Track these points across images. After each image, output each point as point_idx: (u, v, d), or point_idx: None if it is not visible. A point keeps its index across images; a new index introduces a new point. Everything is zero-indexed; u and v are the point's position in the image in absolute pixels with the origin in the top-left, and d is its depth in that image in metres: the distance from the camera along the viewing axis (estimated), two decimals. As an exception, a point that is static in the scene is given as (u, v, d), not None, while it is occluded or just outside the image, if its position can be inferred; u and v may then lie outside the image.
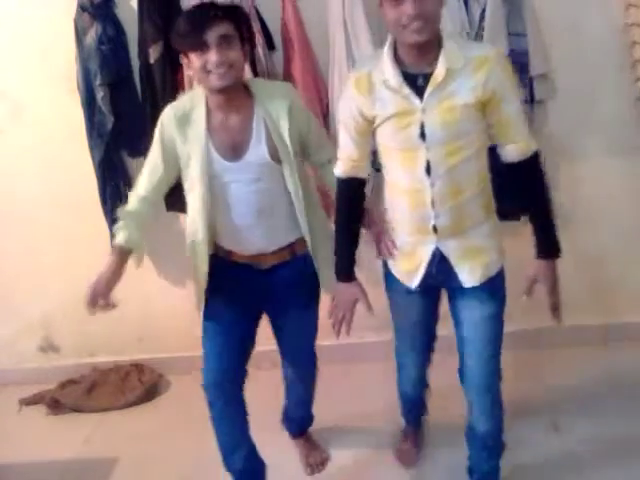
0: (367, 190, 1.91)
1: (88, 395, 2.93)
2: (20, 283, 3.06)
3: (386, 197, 1.84)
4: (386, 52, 1.66)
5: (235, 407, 2.07)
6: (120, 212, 1.93)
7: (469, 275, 1.78)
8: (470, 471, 2.09)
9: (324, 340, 2.20)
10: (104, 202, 2.78)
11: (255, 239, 1.93)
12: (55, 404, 2.90)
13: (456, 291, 1.83)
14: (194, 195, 1.90)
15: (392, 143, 1.70)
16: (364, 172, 1.82)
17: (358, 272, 1.92)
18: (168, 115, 1.88)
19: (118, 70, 2.61)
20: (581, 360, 2.75)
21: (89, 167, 2.72)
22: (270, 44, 2.55)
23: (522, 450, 2.29)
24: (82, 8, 2.56)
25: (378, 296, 2.79)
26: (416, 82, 1.63)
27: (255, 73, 2.47)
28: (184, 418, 2.76)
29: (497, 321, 1.84)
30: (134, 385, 2.95)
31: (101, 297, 1.85)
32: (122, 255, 1.88)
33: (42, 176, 2.88)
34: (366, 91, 1.68)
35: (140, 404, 2.90)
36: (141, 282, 2.99)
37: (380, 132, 1.72)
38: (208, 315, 2.06)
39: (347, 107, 1.74)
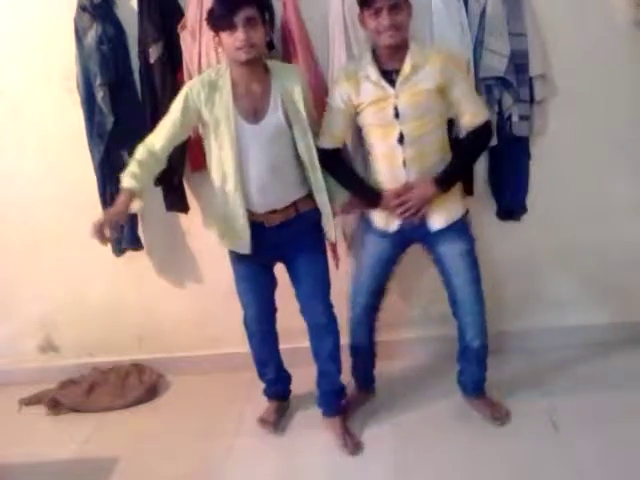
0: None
1: (88, 395, 2.92)
2: (20, 283, 3.06)
3: (370, 163, 2.34)
4: (367, 55, 2.23)
5: (269, 335, 2.55)
6: (130, 160, 2.19)
7: (436, 220, 2.28)
8: (465, 385, 2.54)
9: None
10: (104, 202, 2.77)
11: (270, 194, 2.24)
12: (55, 404, 2.90)
13: (429, 238, 2.32)
14: (226, 157, 2.19)
15: (374, 121, 2.24)
16: (341, 144, 2.34)
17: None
18: (195, 83, 2.20)
19: (118, 70, 2.61)
20: (581, 360, 2.75)
21: (89, 167, 2.72)
22: (270, 44, 2.54)
23: (522, 450, 2.30)
24: (82, 8, 2.56)
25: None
26: (391, 76, 2.19)
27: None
28: (184, 418, 2.76)
29: (471, 255, 2.32)
30: (134, 385, 2.95)
31: (106, 227, 2.11)
32: (127, 197, 2.14)
33: (42, 176, 2.87)
34: (354, 83, 2.22)
35: (140, 404, 2.89)
36: (141, 282, 2.99)
37: (364, 114, 2.25)
38: (237, 270, 2.42)
39: (339, 94, 2.25)
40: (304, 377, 2.60)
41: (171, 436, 2.65)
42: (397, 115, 2.18)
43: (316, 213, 2.33)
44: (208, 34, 2.46)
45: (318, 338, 2.45)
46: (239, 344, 2.70)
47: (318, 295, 2.40)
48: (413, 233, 2.32)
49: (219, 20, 2.09)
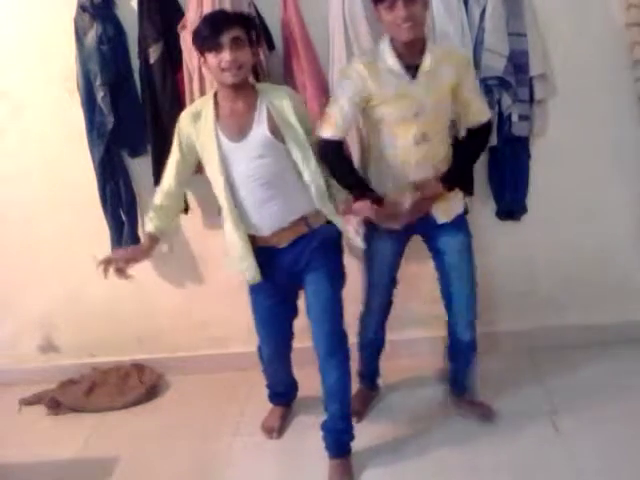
0: None
1: (88, 395, 2.92)
2: (20, 283, 3.06)
3: (372, 164, 2.26)
4: (386, 47, 2.11)
5: (283, 364, 2.52)
6: (150, 205, 2.25)
7: (441, 214, 2.26)
8: (455, 382, 2.56)
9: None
10: (104, 202, 2.78)
11: (270, 214, 2.15)
12: (55, 404, 2.90)
13: (432, 231, 2.30)
14: (217, 182, 2.15)
15: (391, 117, 2.13)
16: (343, 136, 2.19)
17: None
18: (183, 116, 2.20)
19: (118, 70, 2.61)
20: (581, 360, 2.75)
21: (89, 167, 2.72)
22: (270, 44, 2.55)
23: (522, 450, 2.30)
24: (82, 8, 2.56)
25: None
26: (410, 70, 2.10)
27: (255, 72, 2.48)
28: (184, 418, 2.76)
29: (470, 250, 2.32)
30: (134, 385, 2.95)
31: (116, 264, 2.13)
32: (151, 241, 2.22)
33: (42, 176, 2.87)
34: (375, 75, 2.10)
35: (140, 404, 2.89)
36: (141, 282, 2.98)
37: (381, 109, 2.13)
38: (252, 301, 2.34)
39: (355, 84, 2.12)
40: (305, 378, 2.61)
41: (171, 436, 2.65)
42: (417, 113, 2.11)
43: (333, 227, 2.21)
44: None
45: (322, 369, 2.26)
46: (239, 344, 2.71)
47: (327, 320, 2.22)
48: (418, 226, 2.29)
49: (205, 41, 2.03)
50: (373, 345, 2.57)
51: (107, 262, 2.12)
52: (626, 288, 2.83)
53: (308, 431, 2.55)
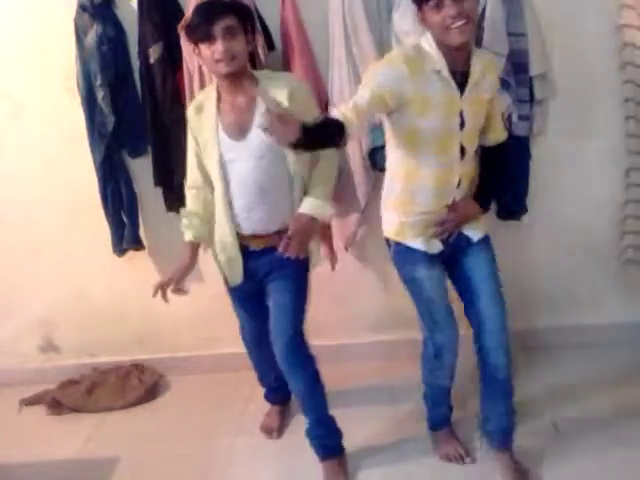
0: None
1: (88, 395, 2.92)
2: (20, 283, 3.06)
3: (400, 185, 2.01)
4: (432, 45, 1.84)
5: (265, 350, 2.31)
6: (182, 212, 2.23)
7: (474, 231, 2.07)
8: (491, 433, 2.20)
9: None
10: (105, 202, 2.78)
11: (256, 217, 2.11)
12: (55, 404, 2.90)
13: (462, 251, 2.08)
14: (214, 176, 2.12)
15: (430, 130, 1.88)
16: (351, 126, 1.75)
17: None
18: (189, 110, 2.17)
19: (118, 70, 2.61)
20: (581, 360, 2.75)
21: (89, 167, 2.72)
22: (270, 44, 2.55)
23: (522, 450, 2.29)
24: (82, 8, 2.56)
25: (371, 296, 2.80)
26: (455, 78, 1.86)
27: (254, 67, 2.47)
28: (185, 418, 2.76)
29: (497, 271, 2.10)
30: (134, 385, 2.95)
31: (172, 285, 2.13)
32: (192, 248, 2.20)
33: (42, 176, 2.87)
34: (417, 74, 1.82)
35: (140, 404, 2.89)
36: (141, 282, 2.99)
37: (419, 117, 1.86)
38: (229, 290, 2.32)
39: (389, 74, 1.82)
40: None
41: (171, 436, 2.65)
42: (462, 124, 1.89)
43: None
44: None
45: (288, 379, 2.26)
46: (239, 344, 2.69)
47: (284, 327, 2.18)
48: (455, 245, 2.08)
49: (197, 31, 1.97)
50: (445, 392, 2.29)
51: (162, 287, 2.12)
52: (626, 288, 2.83)
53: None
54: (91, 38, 2.56)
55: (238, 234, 2.16)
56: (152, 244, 2.92)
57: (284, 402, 2.66)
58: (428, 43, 1.85)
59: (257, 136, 2.00)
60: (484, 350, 2.08)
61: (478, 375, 2.16)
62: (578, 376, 2.66)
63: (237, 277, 2.21)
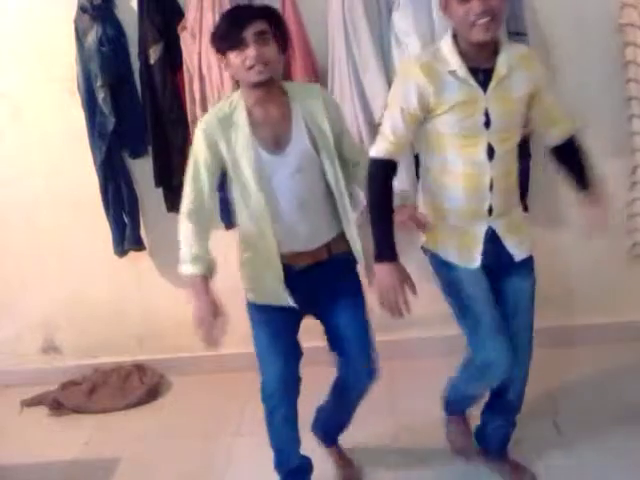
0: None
1: (89, 396, 2.93)
2: (21, 284, 3.06)
3: (432, 185, 1.93)
4: (448, 45, 1.79)
5: (292, 410, 2.07)
6: (185, 254, 1.92)
7: (518, 249, 1.92)
8: (483, 438, 2.18)
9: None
10: (106, 203, 2.78)
11: (300, 234, 1.94)
12: (57, 405, 2.90)
13: (503, 269, 1.94)
14: (250, 198, 1.90)
15: (454, 131, 1.81)
16: (399, 156, 1.87)
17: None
18: (209, 121, 1.92)
19: (118, 71, 2.62)
20: (582, 360, 2.74)
21: (90, 168, 2.73)
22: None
23: (522, 450, 2.29)
24: (82, 9, 2.56)
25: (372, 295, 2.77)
26: (477, 76, 1.77)
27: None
28: (185, 418, 2.76)
29: (534, 296, 1.98)
30: (135, 386, 2.95)
31: (214, 328, 1.92)
32: (205, 282, 1.93)
33: (43, 177, 2.88)
34: (434, 78, 1.77)
35: (142, 405, 2.89)
36: (141, 282, 3.00)
37: (441, 120, 1.81)
38: (258, 322, 2.05)
39: (408, 90, 1.79)
40: (303, 378, 2.59)
41: (172, 437, 2.65)
42: (487, 123, 1.79)
43: (351, 255, 2.01)
44: (208, 35, 2.46)
45: (354, 389, 2.11)
46: (240, 345, 2.69)
47: (363, 350, 2.02)
48: (498, 263, 1.92)
49: (226, 38, 1.81)
50: (473, 402, 2.15)
51: (209, 337, 1.92)
52: (626, 287, 2.83)
53: (308, 431, 2.55)
54: (91, 39, 2.56)
55: (280, 254, 1.94)
56: (153, 244, 2.92)
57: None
58: (446, 43, 1.80)
59: (296, 148, 1.89)
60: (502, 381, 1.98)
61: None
62: (579, 376, 2.66)
63: (281, 295, 1.96)
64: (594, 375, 2.64)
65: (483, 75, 1.78)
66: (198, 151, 1.90)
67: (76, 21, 2.59)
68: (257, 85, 1.85)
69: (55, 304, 3.06)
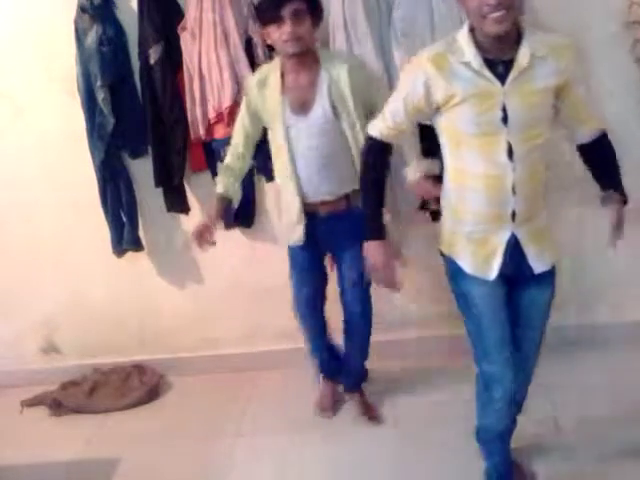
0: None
1: (90, 396, 2.92)
2: (21, 284, 3.06)
3: (451, 185, 1.84)
4: (465, 36, 1.68)
5: (319, 321, 2.54)
6: (219, 167, 2.38)
7: (539, 261, 1.82)
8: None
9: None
10: (104, 203, 2.78)
11: (322, 186, 2.25)
12: (57, 405, 2.90)
13: (522, 279, 1.85)
14: (280, 150, 2.25)
15: (470, 128, 1.70)
16: (395, 141, 1.87)
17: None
18: (250, 82, 2.28)
19: (118, 71, 2.62)
20: (581, 360, 2.74)
21: (89, 168, 2.73)
22: (269, 46, 2.55)
23: (523, 450, 2.29)
24: (82, 9, 2.56)
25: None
26: (496, 69, 1.67)
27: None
28: (186, 419, 2.76)
29: (550, 307, 1.93)
30: (135, 386, 2.95)
31: (207, 232, 2.27)
32: (222, 202, 2.32)
33: (42, 177, 2.88)
34: (443, 69, 1.68)
35: (142, 405, 2.89)
36: (142, 282, 3.00)
37: (456, 115, 1.71)
38: (290, 257, 2.45)
39: (415, 80, 1.73)
40: (304, 378, 2.61)
41: (172, 437, 2.65)
42: (505, 120, 1.67)
43: None
44: (208, 35, 2.48)
45: (354, 332, 2.51)
46: (240, 344, 2.71)
47: (356, 297, 2.43)
48: (517, 273, 1.83)
49: (266, 14, 2.12)
50: (498, 437, 2.04)
51: (199, 237, 2.26)
52: (626, 287, 2.83)
53: (308, 431, 2.55)
54: (91, 39, 2.56)
55: (305, 202, 2.28)
56: (151, 245, 2.92)
57: (334, 376, 2.67)
58: (463, 34, 1.70)
59: (318, 112, 2.17)
60: None
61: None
62: (579, 376, 2.66)
63: (298, 239, 2.34)
64: (594, 375, 2.64)
65: (503, 67, 1.66)
66: (244, 102, 2.29)
67: (76, 21, 2.59)
68: (292, 55, 2.14)
69: (55, 304, 3.06)
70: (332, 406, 2.63)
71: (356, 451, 2.42)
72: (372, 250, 1.88)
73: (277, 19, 2.08)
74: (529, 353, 1.95)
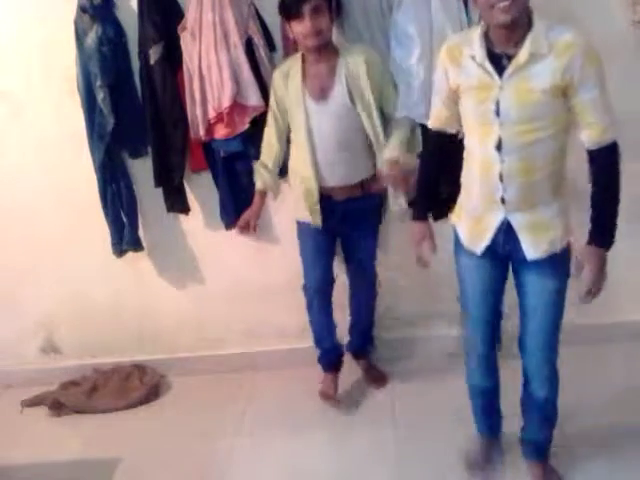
0: None
1: (90, 396, 2.92)
2: (21, 284, 3.06)
3: (464, 164, 1.96)
4: (477, 30, 1.80)
5: (327, 302, 2.63)
6: (256, 163, 2.53)
7: (533, 248, 1.86)
8: (523, 441, 2.18)
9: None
10: (104, 203, 2.77)
11: (338, 171, 2.39)
12: (57, 405, 2.90)
13: (521, 264, 1.91)
14: (300, 135, 2.38)
15: (470, 115, 1.85)
16: (452, 128, 1.97)
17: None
18: (276, 74, 2.42)
19: (118, 71, 2.61)
20: (581, 359, 2.74)
21: (89, 168, 2.72)
22: (270, 45, 2.55)
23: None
24: (82, 9, 2.56)
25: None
26: (500, 62, 1.74)
27: (258, 74, 2.48)
28: (185, 419, 2.76)
29: (559, 296, 1.92)
30: (135, 386, 2.95)
31: (252, 221, 2.51)
32: (262, 196, 2.54)
33: (42, 177, 2.87)
34: (455, 60, 1.84)
35: (141, 405, 2.89)
36: (141, 283, 3.00)
37: (462, 103, 1.88)
38: (302, 238, 2.57)
39: (439, 71, 1.92)
40: (304, 378, 2.61)
41: (172, 437, 2.65)
42: (497, 112, 1.75)
43: (378, 197, 2.51)
44: (208, 35, 2.48)
45: (355, 295, 2.69)
46: (240, 344, 2.71)
47: (363, 262, 2.62)
48: (508, 257, 1.93)
49: (288, 9, 2.24)
50: (482, 395, 2.18)
51: (244, 228, 2.52)
52: (626, 287, 2.83)
53: (309, 430, 2.55)
54: (91, 39, 2.56)
55: (322, 187, 2.40)
56: (152, 245, 2.92)
57: (337, 368, 2.72)
58: (477, 27, 1.81)
59: (336, 99, 2.31)
60: (523, 376, 2.07)
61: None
62: (578, 376, 2.65)
63: (318, 221, 2.45)
64: (594, 375, 2.64)
65: (507, 61, 1.73)
66: (272, 95, 2.43)
67: (76, 21, 2.58)
68: (312, 48, 2.27)
69: (55, 304, 3.06)
70: (334, 394, 2.66)
71: (356, 450, 2.42)
72: (411, 229, 2.10)
73: (298, 15, 2.20)
74: (537, 344, 1.97)
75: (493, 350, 2.10)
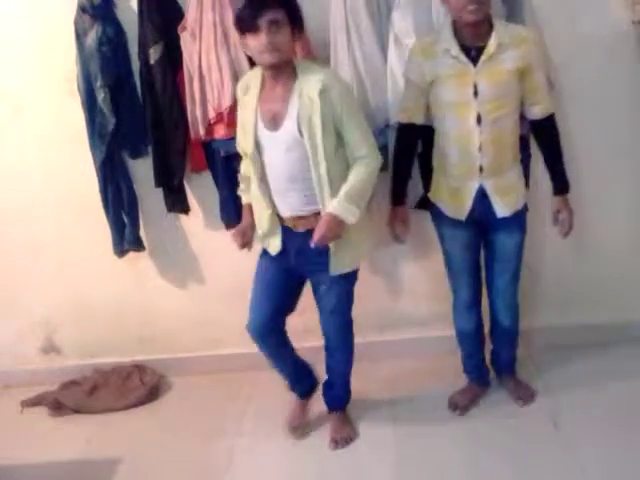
0: None
1: (90, 396, 2.93)
2: (21, 284, 3.06)
3: (437, 145, 2.31)
4: (448, 29, 2.17)
5: (275, 346, 2.45)
6: (239, 177, 2.39)
7: (503, 207, 2.27)
8: (493, 362, 2.64)
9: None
10: (105, 203, 2.77)
11: (291, 201, 2.20)
12: (57, 405, 2.90)
13: (492, 223, 2.31)
14: (250, 156, 2.20)
15: (450, 98, 2.19)
16: (419, 120, 2.30)
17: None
18: (239, 84, 2.28)
19: (118, 71, 2.61)
20: (581, 359, 2.74)
21: (89, 168, 2.72)
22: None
23: (523, 449, 2.30)
24: (82, 9, 2.56)
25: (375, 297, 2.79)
26: (470, 53, 2.14)
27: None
28: (186, 419, 2.76)
29: (521, 247, 2.37)
30: (136, 386, 2.95)
31: (248, 233, 2.35)
32: (248, 210, 2.37)
33: (43, 177, 2.87)
34: (430, 56, 2.19)
35: (142, 405, 2.89)
36: (142, 282, 3.00)
37: (439, 90, 2.20)
38: (258, 264, 2.39)
39: (414, 68, 2.23)
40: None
41: (173, 437, 2.65)
42: (476, 94, 2.14)
43: None
44: (208, 35, 2.48)
45: (330, 354, 2.45)
46: (240, 345, 2.70)
47: (335, 312, 2.35)
48: (482, 218, 2.30)
49: (244, 22, 2.05)
50: (470, 337, 2.54)
51: (244, 243, 2.34)
52: (626, 287, 2.83)
53: (309, 430, 2.55)
54: (91, 39, 2.56)
55: (279, 216, 2.25)
56: (153, 245, 2.92)
57: (308, 395, 2.60)
58: (446, 27, 2.19)
59: (287, 129, 2.11)
60: (491, 312, 2.50)
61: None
62: (578, 375, 2.66)
63: (273, 249, 2.29)
64: (594, 375, 2.64)
65: (476, 52, 2.13)
66: (238, 111, 2.28)
67: (76, 21, 2.58)
68: (269, 67, 2.08)
69: (55, 304, 3.06)
70: (301, 425, 2.54)
71: (355, 451, 2.42)
72: (393, 213, 2.41)
73: (254, 28, 2.00)
74: (505, 283, 2.40)
75: (476, 297, 2.47)
